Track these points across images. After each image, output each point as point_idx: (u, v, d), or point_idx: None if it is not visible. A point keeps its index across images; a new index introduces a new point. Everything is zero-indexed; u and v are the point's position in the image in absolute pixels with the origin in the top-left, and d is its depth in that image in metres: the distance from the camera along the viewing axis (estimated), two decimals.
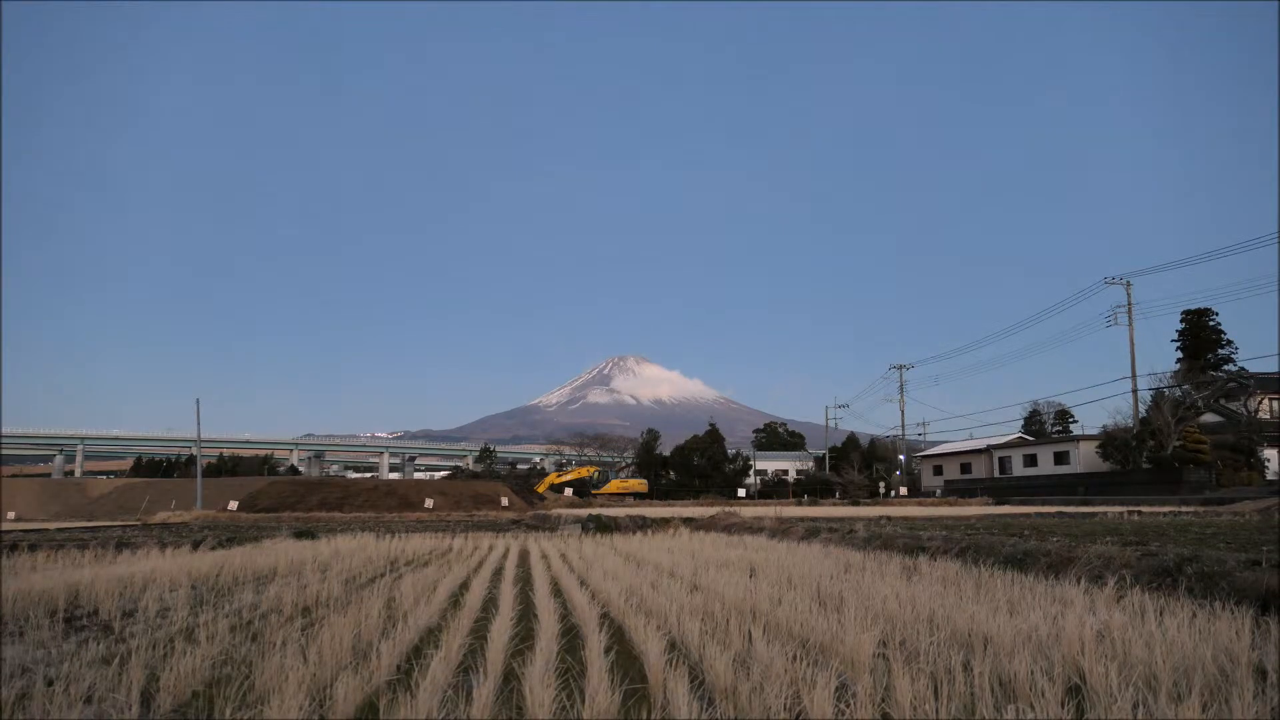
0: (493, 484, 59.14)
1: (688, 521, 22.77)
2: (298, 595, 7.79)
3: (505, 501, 50.95)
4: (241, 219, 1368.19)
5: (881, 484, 66.58)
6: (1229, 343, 60.26)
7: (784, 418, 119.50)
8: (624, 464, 78.50)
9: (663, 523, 22.20)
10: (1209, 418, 50.95)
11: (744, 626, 5.48)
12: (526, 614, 6.65)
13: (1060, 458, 56.16)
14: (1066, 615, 5.34)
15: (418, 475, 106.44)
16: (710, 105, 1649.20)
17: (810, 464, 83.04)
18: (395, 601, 7.22)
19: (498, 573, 10.71)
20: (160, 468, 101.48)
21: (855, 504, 51.02)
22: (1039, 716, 3.48)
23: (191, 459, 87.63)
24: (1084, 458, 52.74)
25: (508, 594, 7.97)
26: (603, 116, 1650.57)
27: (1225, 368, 57.50)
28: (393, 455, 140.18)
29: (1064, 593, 6.65)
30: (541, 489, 62.81)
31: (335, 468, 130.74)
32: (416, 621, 5.98)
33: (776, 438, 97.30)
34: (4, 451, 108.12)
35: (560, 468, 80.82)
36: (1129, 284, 52.23)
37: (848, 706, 3.64)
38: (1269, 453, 47.30)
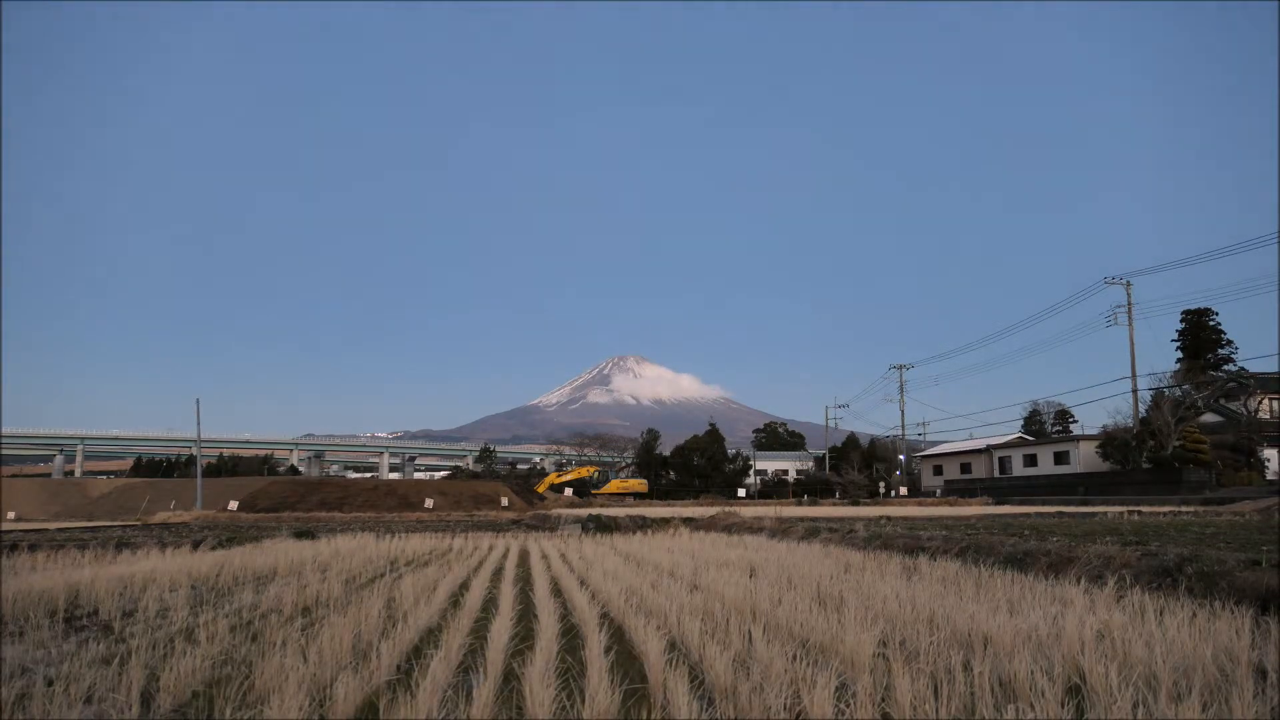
0: (493, 484, 59.15)
1: (688, 521, 22.77)
2: (298, 595, 7.79)
3: (505, 501, 50.95)
4: (242, 219, 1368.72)
5: (881, 484, 66.57)
6: (1229, 343, 60.34)
7: (784, 418, 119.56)
8: (624, 464, 78.48)
9: (663, 523, 22.20)
10: (1209, 418, 50.96)
11: (744, 626, 5.48)
12: (526, 614, 6.65)
13: (1060, 458, 56.15)
14: (1066, 615, 5.33)
15: (418, 475, 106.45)
16: (711, 106, 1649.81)
17: (810, 464, 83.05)
18: (395, 601, 7.22)
19: (498, 573, 10.71)
20: (160, 468, 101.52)
21: (855, 504, 51.01)
22: (1039, 716, 3.48)
23: (191, 459, 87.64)
24: (1084, 458, 52.73)
25: (508, 594, 7.97)
26: (603, 117, 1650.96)
27: (1225, 368, 57.54)
28: (393, 455, 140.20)
29: (1064, 593, 6.65)
30: (541, 489, 62.81)
31: (335, 468, 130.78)
32: (416, 621, 5.98)
33: (776, 438, 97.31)
34: (4, 451, 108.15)
35: (560, 468, 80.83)
36: (1129, 284, 52.22)
37: (848, 706, 3.64)
38: (1269, 453, 47.31)
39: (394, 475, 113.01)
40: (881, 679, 4.06)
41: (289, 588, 8.32)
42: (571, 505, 53.25)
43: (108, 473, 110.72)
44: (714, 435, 72.00)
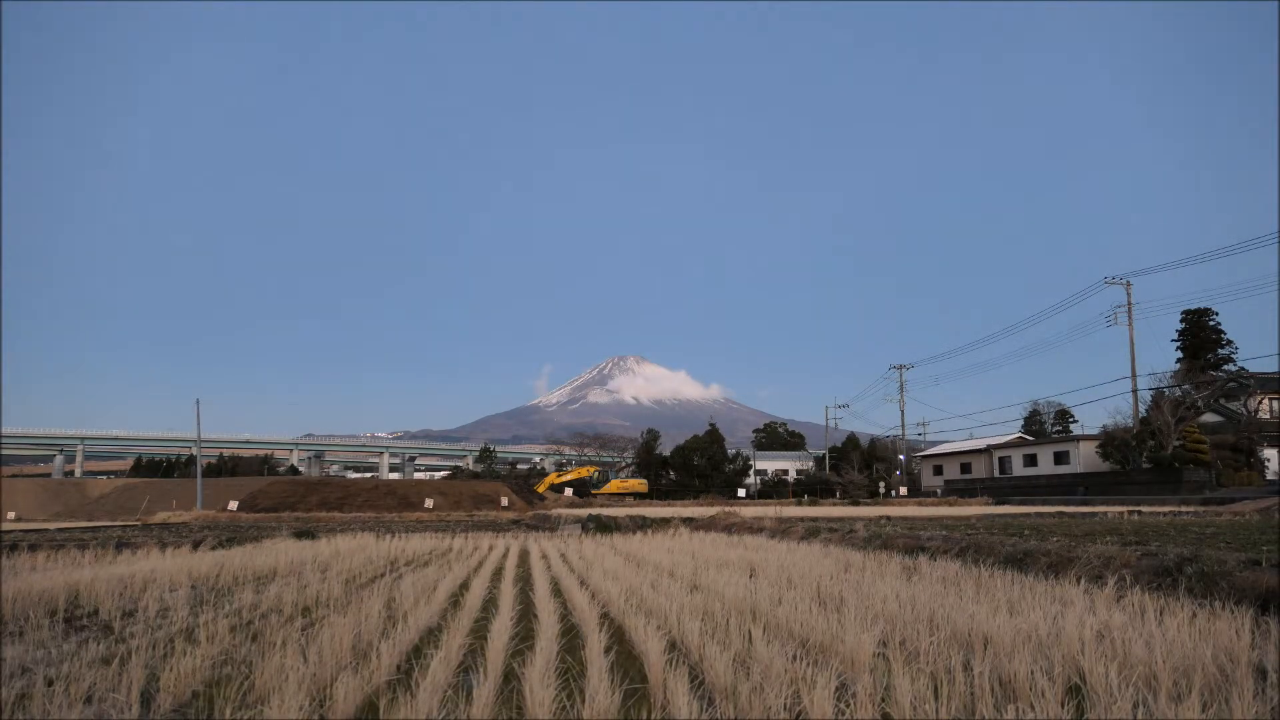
0: (493, 484, 59.15)
1: (688, 521, 22.76)
2: (298, 595, 7.79)
3: (505, 501, 50.94)
4: (242, 219, 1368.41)
5: (881, 484, 66.56)
6: (1229, 343, 60.30)
7: (784, 418, 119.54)
8: (624, 464, 78.45)
9: (663, 523, 22.19)
10: (1209, 418, 50.94)
11: (744, 626, 5.48)
12: (526, 614, 6.64)
13: (1060, 458, 56.13)
14: (1066, 615, 5.34)
15: (418, 475, 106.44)
16: (712, 106, 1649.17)
17: (810, 464, 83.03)
18: (395, 601, 7.22)
19: (498, 573, 10.71)
20: (160, 468, 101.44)
21: (855, 504, 51.00)
22: (1039, 716, 3.48)
23: (191, 459, 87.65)
24: (1084, 458, 52.72)
25: (508, 594, 7.97)
26: (604, 117, 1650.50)
27: (1225, 368, 57.51)
28: (393, 455, 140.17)
29: (1064, 593, 6.65)
30: (541, 489, 62.79)
31: (335, 468, 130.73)
32: (416, 621, 5.98)
33: (776, 438, 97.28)
34: (4, 451, 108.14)
35: (560, 468, 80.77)
36: (1129, 284, 52.20)
37: (848, 706, 3.64)
38: (1269, 453, 47.29)
39: (394, 475, 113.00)
40: (881, 679, 4.06)
41: (289, 588, 8.32)
42: (571, 505, 53.24)
43: (108, 473, 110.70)
44: (714, 435, 71.98)
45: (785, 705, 3.65)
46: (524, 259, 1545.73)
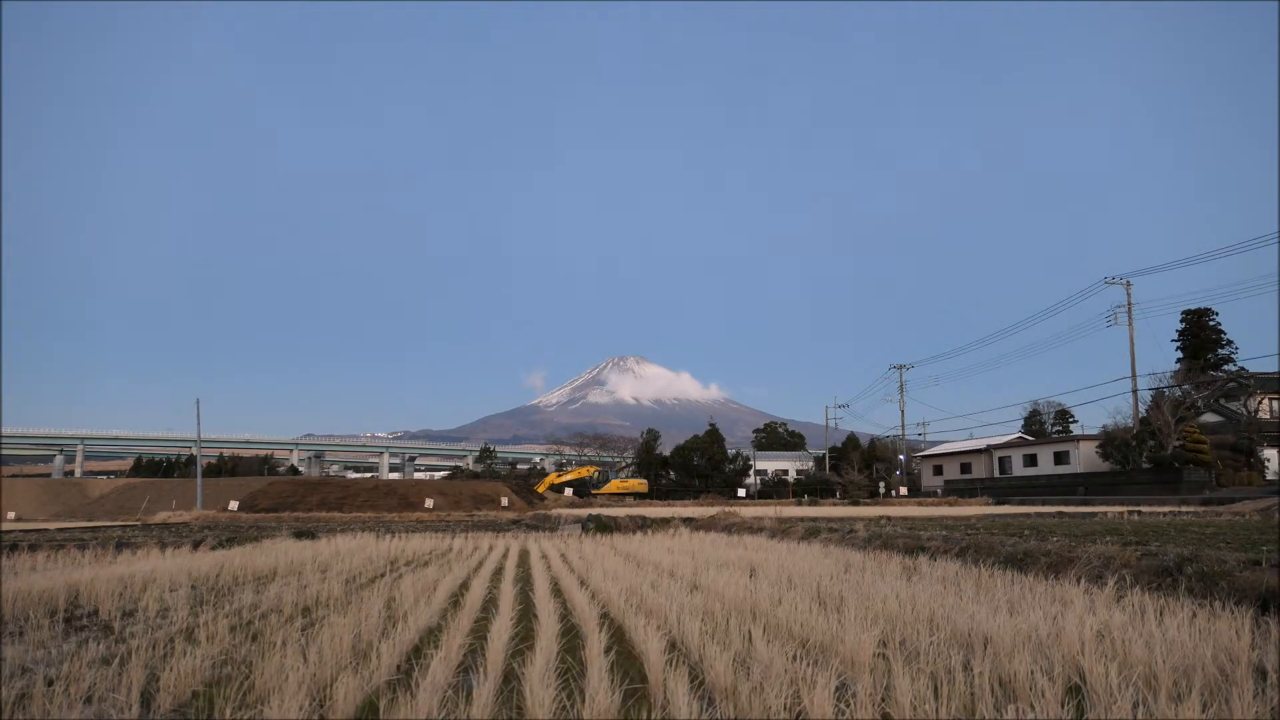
0: (493, 484, 59.13)
1: (688, 521, 22.76)
2: (298, 595, 7.79)
3: (505, 501, 50.94)
4: (242, 219, 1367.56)
5: (881, 484, 66.55)
6: (1229, 343, 60.27)
7: (784, 418, 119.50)
8: (624, 464, 78.42)
9: (663, 523, 22.19)
10: (1209, 418, 50.92)
11: (744, 626, 5.48)
12: (526, 614, 6.64)
13: (1060, 458, 56.12)
14: (1066, 615, 5.34)
15: (418, 475, 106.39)
16: (712, 106, 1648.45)
17: (810, 464, 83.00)
18: (395, 601, 7.21)
19: (498, 573, 10.71)
20: (160, 468, 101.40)
21: (855, 504, 50.98)
22: (1039, 716, 3.48)
23: (191, 459, 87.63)
24: (1084, 458, 52.71)
25: (508, 594, 7.97)
26: (604, 117, 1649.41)
27: (1225, 368, 57.49)
28: (393, 455, 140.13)
29: (1064, 593, 6.65)
30: (541, 489, 62.76)
31: (335, 468, 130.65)
32: (416, 621, 5.97)
33: (776, 438, 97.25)
34: (4, 451, 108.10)
35: (560, 468, 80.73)
36: (1129, 284, 52.19)
37: (848, 706, 3.64)
38: (1269, 453, 47.27)
39: (394, 475, 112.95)
40: (881, 679, 4.06)
41: (289, 588, 8.32)
42: (571, 505, 53.24)
43: (108, 473, 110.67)
44: (714, 435, 71.96)
45: (785, 705, 3.64)
46: (524, 259, 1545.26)
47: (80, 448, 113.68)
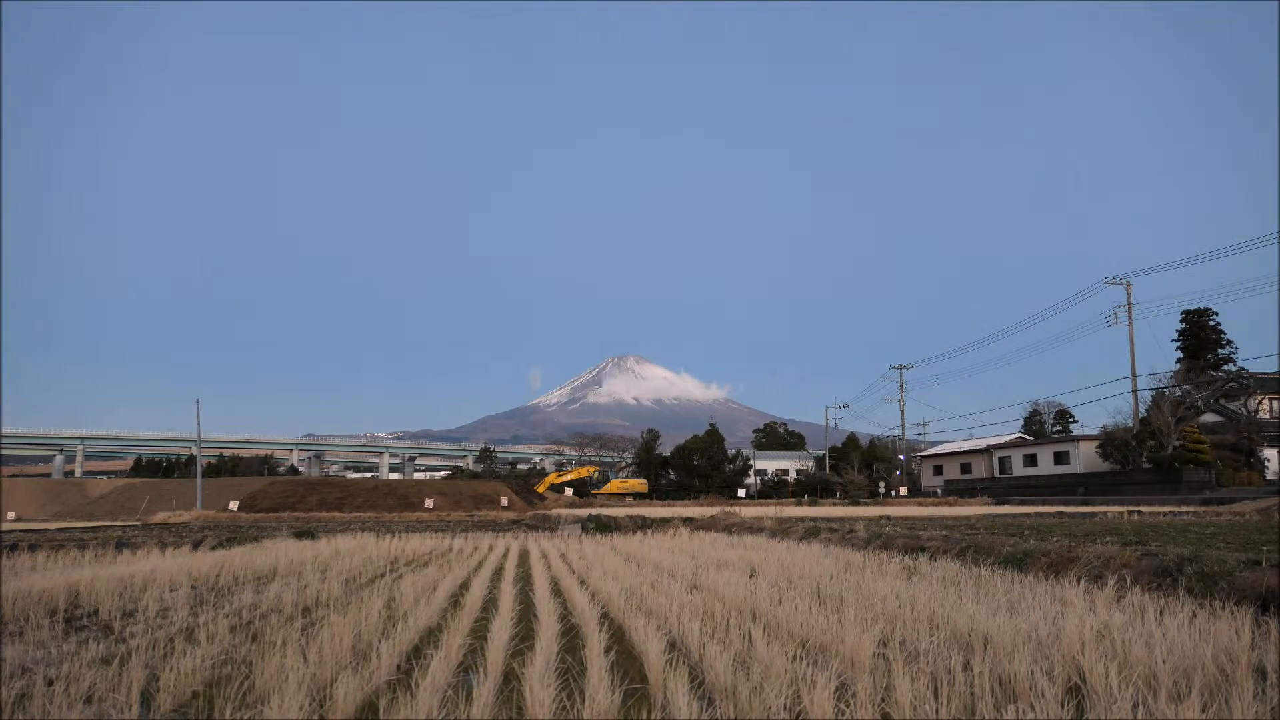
0: (493, 484, 59.13)
1: (688, 521, 22.76)
2: (298, 595, 7.79)
3: (505, 501, 50.94)
4: (242, 219, 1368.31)
5: (881, 484, 66.55)
6: (1229, 343, 60.28)
7: (784, 418, 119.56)
8: (624, 464, 78.43)
9: (663, 523, 22.19)
10: (1209, 418, 50.91)
11: (744, 626, 5.48)
12: (526, 614, 6.64)
13: (1060, 458, 56.12)
14: (1066, 615, 5.33)
15: (418, 475, 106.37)
16: (714, 106, 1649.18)
17: (810, 464, 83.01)
18: (395, 601, 7.21)
19: (498, 573, 10.71)
20: (160, 468, 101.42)
21: (855, 504, 50.99)
22: (1039, 716, 3.48)
23: (191, 459, 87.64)
24: (1084, 458, 52.71)
25: (508, 594, 7.97)
26: (604, 117, 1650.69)
27: (1225, 368, 57.49)
28: (393, 455, 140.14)
29: (1064, 593, 6.65)
30: (541, 489, 62.77)
31: (335, 468, 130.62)
32: (416, 621, 5.97)
33: (776, 438, 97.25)
34: (4, 451, 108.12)
35: (560, 468, 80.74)
36: (1129, 284, 52.18)
37: (848, 706, 3.64)
38: (1269, 453, 47.26)
39: (394, 475, 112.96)
40: (881, 679, 4.06)
41: (289, 588, 8.32)
42: (571, 505, 53.23)
43: (108, 473, 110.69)
44: (714, 435, 71.97)
45: (785, 705, 3.65)
46: (524, 259, 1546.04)
47: (80, 448, 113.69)
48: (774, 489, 70.37)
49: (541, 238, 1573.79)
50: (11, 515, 46.73)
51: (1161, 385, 53.17)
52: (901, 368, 75.68)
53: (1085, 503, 41.00)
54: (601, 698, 3.68)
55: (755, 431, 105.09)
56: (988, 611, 5.65)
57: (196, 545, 14.84)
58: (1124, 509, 28.74)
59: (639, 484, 66.75)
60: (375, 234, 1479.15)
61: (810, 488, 67.06)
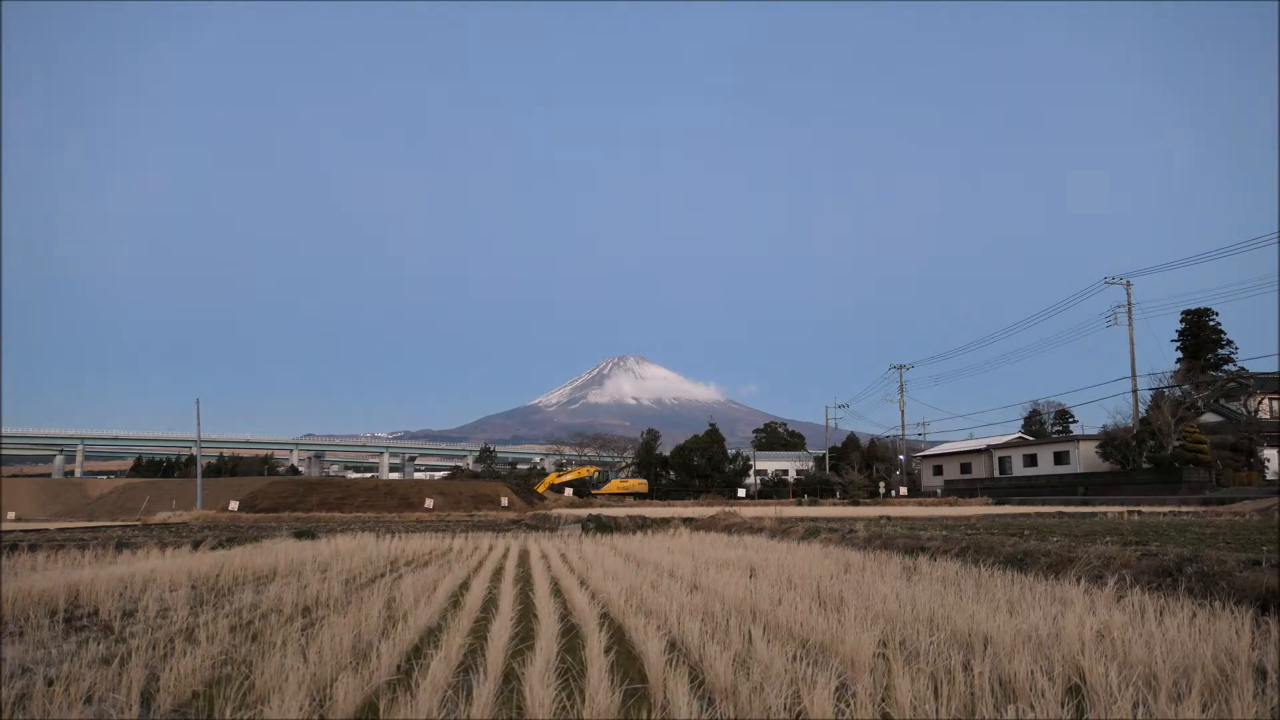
0: (493, 484, 59.14)
1: (688, 522, 22.77)
2: (298, 595, 7.79)
3: (505, 501, 50.95)
4: (242, 218, 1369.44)
5: (881, 484, 66.55)
6: (1229, 343, 60.28)
7: (784, 418, 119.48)
8: (624, 464, 78.45)
9: (663, 523, 22.20)
10: (1209, 418, 50.92)
11: (744, 626, 5.48)
12: (526, 614, 6.64)
13: (1060, 458, 56.12)
14: (1066, 615, 5.33)
15: (418, 475, 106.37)
16: (712, 105, 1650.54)
17: (810, 464, 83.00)
18: (395, 601, 7.22)
19: (498, 573, 10.71)
20: (160, 468, 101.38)
21: (855, 504, 51.00)
22: (1039, 716, 3.48)
23: (191, 459, 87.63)
24: (1084, 458, 52.71)
25: (508, 594, 7.97)
26: (604, 116, 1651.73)
27: (1225, 368, 57.49)
28: (393, 455, 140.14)
29: (1064, 593, 6.65)
30: (541, 489, 62.79)
31: (335, 468, 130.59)
32: (416, 621, 5.98)
33: (776, 438, 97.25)
34: (4, 451, 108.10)
35: (560, 468, 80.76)
36: (1129, 284, 52.18)
37: (848, 706, 3.64)
38: (1269, 453, 47.28)
39: (394, 475, 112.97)
40: (881, 679, 4.06)
41: (289, 588, 8.32)
42: (571, 505, 53.24)
43: (108, 473, 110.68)
44: (714, 435, 71.96)
45: (785, 705, 3.65)
46: (524, 259, 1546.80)
47: (80, 448, 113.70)
48: (774, 489, 70.39)
49: (542, 237, 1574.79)
50: (11, 515, 46.74)
51: (1161, 385, 53.21)
52: (901, 368, 75.71)
53: (1085, 503, 41.01)
54: (601, 698, 3.68)
55: (755, 431, 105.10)
56: (988, 611, 5.65)
57: (196, 545, 14.84)
58: (1124, 509, 28.75)
59: (639, 484, 66.76)
60: (375, 234, 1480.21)
61: (810, 488, 67.07)
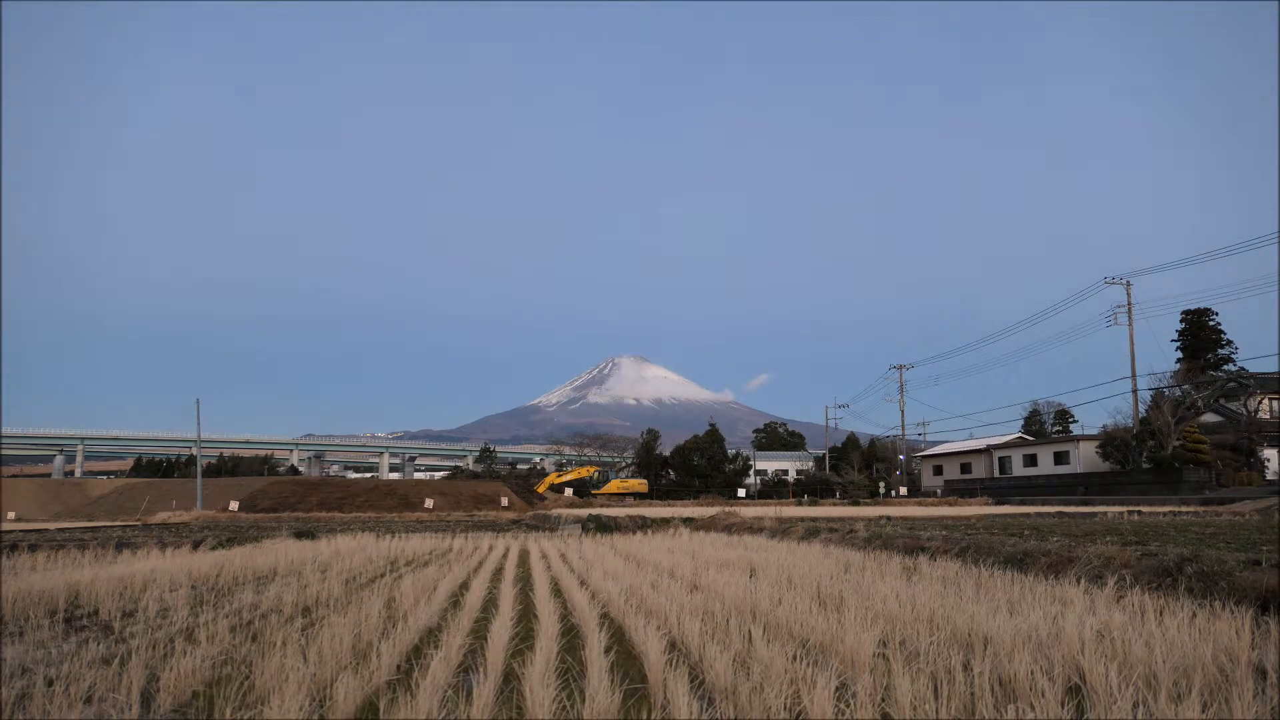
0: (493, 484, 59.15)
1: (688, 521, 22.76)
2: (298, 595, 7.79)
3: (505, 502, 50.94)
4: (242, 218, 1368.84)
5: (881, 484, 66.53)
6: (1229, 343, 60.27)
7: (784, 418, 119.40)
8: (624, 464, 78.41)
9: (663, 523, 22.19)
10: (1209, 418, 50.87)
11: (744, 626, 5.48)
12: (526, 614, 6.64)
13: (1060, 458, 56.09)
14: (1066, 615, 5.34)
15: (418, 475, 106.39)
16: (711, 104, 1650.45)
17: (810, 464, 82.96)
18: (395, 601, 7.22)
19: (498, 573, 10.71)
20: (160, 468, 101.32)
21: (855, 504, 50.98)
22: (1039, 716, 3.48)
23: (191, 459, 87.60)
24: (1084, 458, 52.69)
25: (508, 594, 7.97)
26: (603, 115, 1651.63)
27: (1225, 368, 57.46)
28: (393, 455, 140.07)
29: (1064, 593, 6.65)
30: (541, 489, 62.77)
31: (335, 468, 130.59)
32: (416, 621, 5.98)
33: (776, 438, 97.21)
34: (4, 451, 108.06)
35: (560, 468, 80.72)
36: (1129, 284, 52.17)
37: (848, 706, 3.64)
38: (1269, 453, 47.25)
39: (394, 475, 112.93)
40: (881, 679, 4.06)
41: (289, 588, 8.32)
42: (571, 505, 53.22)
43: (108, 473, 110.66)
44: (714, 435, 71.94)
45: (785, 705, 3.65)
46: (524, 259, 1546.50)
47: (80, 448, 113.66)
48: (774, 489, 70.37)
49: (542, 236, 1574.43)
50: (11, 515, 46.72)
51: (1161, 385, 53.16)
52: (901, 368, 75.67)
53: (1085, 503, 41.00)
54: (601, 698, 3.68)
55: (755, 431, 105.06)
56: (988, 611, 5.65)
57: (196, 545, 14.85)
58: (1124, 509, 28.74)
59: (639, 484, 66.73)
60: (375, 233, 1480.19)
61: (810, 488, 67.05)
